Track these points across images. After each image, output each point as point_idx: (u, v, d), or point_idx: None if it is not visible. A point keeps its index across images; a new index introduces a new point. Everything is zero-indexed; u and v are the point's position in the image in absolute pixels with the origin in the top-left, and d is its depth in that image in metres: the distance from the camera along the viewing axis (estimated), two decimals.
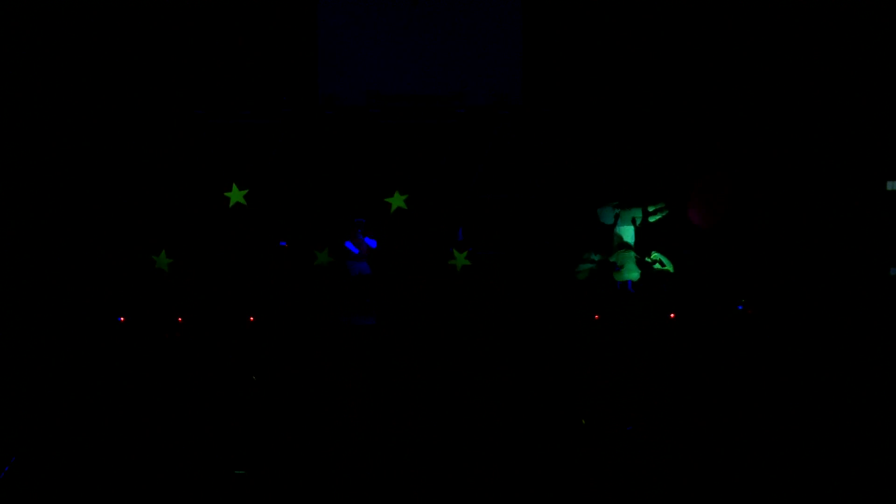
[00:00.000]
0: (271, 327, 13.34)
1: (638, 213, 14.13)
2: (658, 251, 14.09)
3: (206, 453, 11.45)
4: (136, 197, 14.61)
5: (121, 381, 12.46)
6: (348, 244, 14.22)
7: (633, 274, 13.95)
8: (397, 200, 13.81)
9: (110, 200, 14.58)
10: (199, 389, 12.34)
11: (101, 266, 14.20)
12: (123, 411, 12.02)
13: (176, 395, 12.27)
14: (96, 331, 13.21)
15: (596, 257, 14.02)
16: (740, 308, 13.74)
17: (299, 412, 12.07)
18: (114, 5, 14.76)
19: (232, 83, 15.06)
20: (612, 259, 14.00)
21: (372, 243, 14.28)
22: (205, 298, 13.84)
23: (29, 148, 14.58)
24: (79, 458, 11.36)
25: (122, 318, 13.45)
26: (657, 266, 13.97)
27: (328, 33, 15.20)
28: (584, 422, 11.91)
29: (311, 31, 15.20)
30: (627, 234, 14.14)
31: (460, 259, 13.88)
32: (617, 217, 14.14)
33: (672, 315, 13.58)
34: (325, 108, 15.07)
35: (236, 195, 13.92)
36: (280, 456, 11.45)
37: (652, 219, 14.15)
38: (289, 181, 14.81)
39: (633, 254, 13.99)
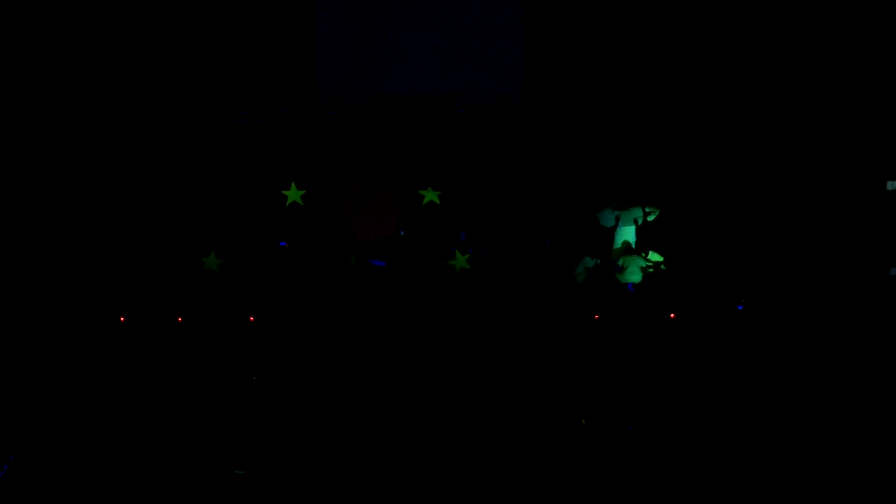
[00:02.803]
0: (272, 327, 13.34)
1: (639, 213, 14.13)
2: (654, 251, 14.11)
3: (206, 453, 11.45)
4: (136, 197, 14.61)
5: (121, 381, 12.45)
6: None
7: (635, 276, 13.95)
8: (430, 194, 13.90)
9: (110, 200, 14.57)
10: (199, 390, 12.34)
11: (101, 266, 14.19)
12: (123, 411, 12.01)
13: (176, 396, 12.27)
14: (96, 331, 13.21)
15: (591, 263, 14.01)
16: (740, 308, 13.73)
17: (299, 412, 12.07)
18: (113, 5, 14.75)
19: (232, 83, 15.05)
20: (619, 262, 14.00)
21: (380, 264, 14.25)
22: (205, 298, 13.84)
23: (29, 148, 14.58)
24: (79, 458, 11.36)
25: (122, 318, 13.45)
26: (651, 269, 13.99)
27: (328, 33, 15.19)
28: (584, 422, 11.91)
29: (311, 31, 15.19)
30: (629, 235, 14.14)
31: (460, 261, 13.89)
32: (618, 219, 14.15)
33: (672, 315, 13.58)
34: (325, 108, 15.07)
35: (294, 194, 13.97)
36: (280, 456, 11.44)
37: (649, 218, 14.17)
38: (288, 181, 14.79)
39: (638, 258, 13.99)
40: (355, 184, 14.15)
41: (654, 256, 14.03)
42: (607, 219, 14.22)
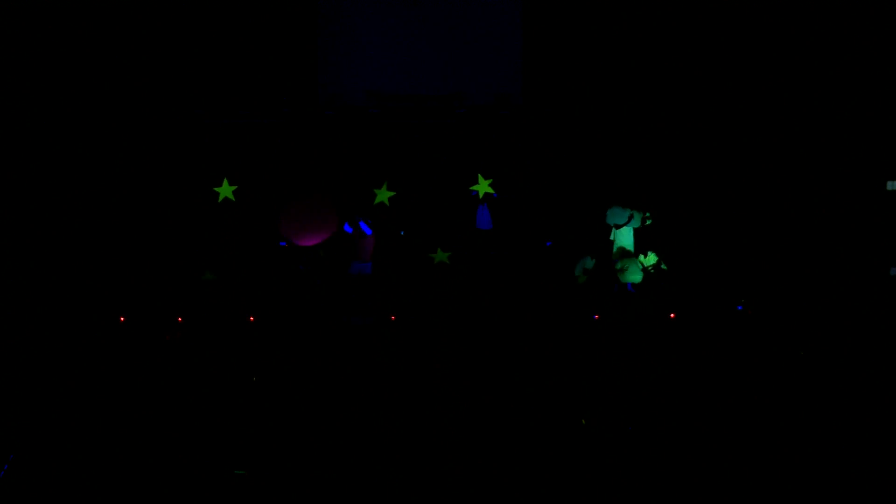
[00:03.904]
0: (271, 327, 13.34)
1: (640, 217, 14.15)
2: (652, 251, 14.11)
3: (206, 453, 11.45)
4: (136, 197, 14.63)
5: (121, 381, 12.45)
6: (347, 227, 14.28)
7: (636, 276, 13.95)
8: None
9: (110, 200, 14.59)
10: (199, 389, 12.34)
11: (101, 266, 14.20)
12: (123, 411, 12.01)
13: (176, 396, 12.27)
14: (96, 331, 13.21)
15: (590, 264, 14.01)
16: (740, 308, 13.74)
17: (299, 412, 12.07)
18: (114, 5, 14.76)
19: (232, 83, 15.06)
20: (618, 265, 13.99)
21: (367, 231, 14.29)
22: (205, 298, 13.84)
23: (29, 148, 14.59)
24: (79, 458, 11.36)
25: (122, 318, 13.45)
26: (651, 270, 13.99)
27: (328, 33, 15.20)
28: (584, 422, 11.91)
29: (311, 31, 15.20)
30: (627, 235, 14.14)
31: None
32: (630, 217, 14.12)
33: (672, 315, 13.58)
34: (325, 108, 15.07)
35: (225, 190, 13.98)
36: (280, 456, 11.45)
37: (647, 222, 14.19)
38: (288, 181, 14.80)
39: (638, 259, 13.99)
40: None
41: (652, 258, 14.04)
42: (617, 216, 14.17)
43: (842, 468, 11.04)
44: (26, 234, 14.36)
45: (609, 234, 14.22)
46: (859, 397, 12.13)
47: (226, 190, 13.95)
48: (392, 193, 14.02)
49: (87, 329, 13.23)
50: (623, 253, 14.05)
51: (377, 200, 14.00)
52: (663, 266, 14.03)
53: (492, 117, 14.98)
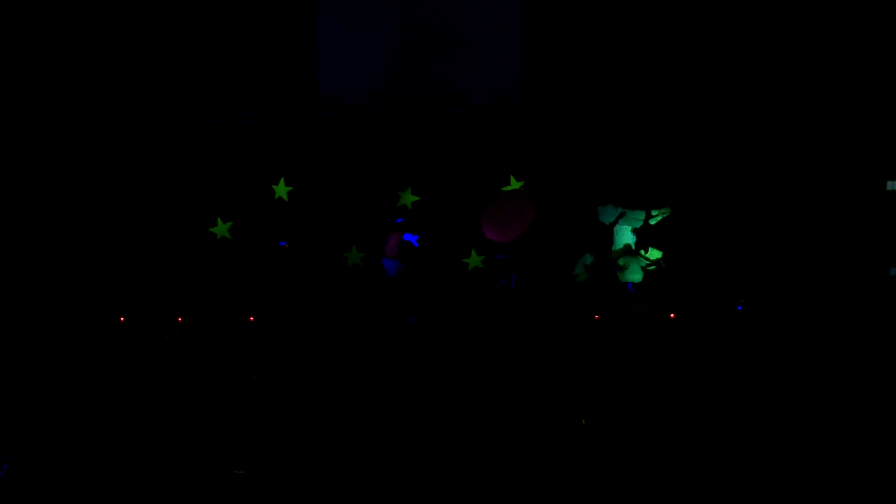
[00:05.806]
0: (272, 327, 13.34)
1: (641, 216, 14.12)
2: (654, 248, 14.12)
3: (206, 453, 11.45)
4: (136, 197, 14.63)
5: (121, 381, 12.45)
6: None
7: (636, 276, 13.94)
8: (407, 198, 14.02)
9: (111, 200, 14.59)
10: (199, 389, 12.34)
11: (100, 266, 14.21)
12: (123, 411, 12.01)
13: (176, 395, 12.27)
14: (96, 331, 13.21)
15: (589, 260, 14.01)
16: (740, 308, 13.74)
17: (300, 412, 12.07)
18: (113, 5, 14.77)
19: (232, 83, 15.06)
20: (620, 262, 13.98)
21: (413, 238, 14.33)
22: (205, 298, 13.85)
23: (30, 148, 14.59)
24: (79, 458, 11.36)
25: (122, 318, 13.46)
26: (652, 267, 13.98)
27: (328, 33, 15.20)
28: (584, 422, 11.91)
29: (311, 31, 15.20)
30: (627, 234, 14.13)
31: (474, 259, 13.94)
32: (620, 216, 14.11)
33: (672, 315, 13.58)
34: (325, 108, 15.07)
35: (281, 189, 14.00)
36: (280, 456, 11.45)
37: (653, 221, 14.16)
38: (288, 181, 14.80)
39: (638, 258, 13.99)
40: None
41: (654, 254, 14.03)
42: (608, 214, 14.18)
43: (842, 468, 11.05)
44: (26, 233, 14.36)
45: (610, 234, 14.22)
46: (859, 397, 12.13)
47: (281, 189, 14.02)
48: (416, 198, 14.04)
49: (87, 329, 13.23)
50: (624, 251, 14.05)
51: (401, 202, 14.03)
52: (662, 264, 14.03)
53: (492, 117, 14.98)
